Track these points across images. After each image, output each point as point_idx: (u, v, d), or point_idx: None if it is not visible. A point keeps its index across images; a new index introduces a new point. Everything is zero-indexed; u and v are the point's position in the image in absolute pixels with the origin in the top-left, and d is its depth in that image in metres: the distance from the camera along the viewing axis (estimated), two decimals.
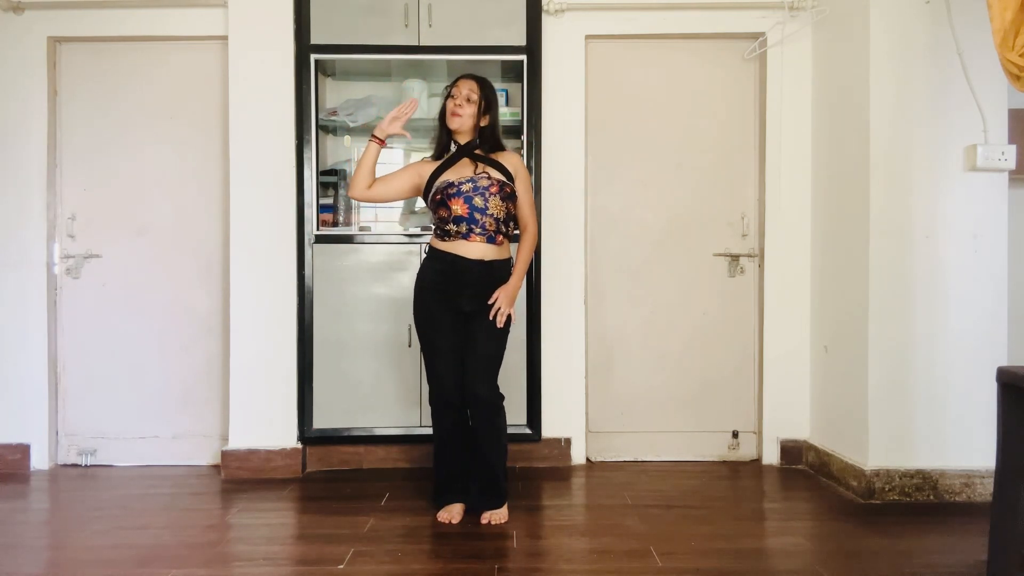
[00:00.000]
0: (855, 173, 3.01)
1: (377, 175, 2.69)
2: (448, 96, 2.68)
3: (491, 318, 2.60)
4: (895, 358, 2.91)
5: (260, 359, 3.27)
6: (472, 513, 2.67)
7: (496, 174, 2.65)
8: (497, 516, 2.63)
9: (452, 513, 2.65)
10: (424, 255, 2.84)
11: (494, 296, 2.61)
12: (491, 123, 2.70)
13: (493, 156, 2.70)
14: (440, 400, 2.66)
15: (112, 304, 3.44)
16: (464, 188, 2.59)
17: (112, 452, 3.44)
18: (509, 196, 2.65)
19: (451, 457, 2.71)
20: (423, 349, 2.69)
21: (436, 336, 2.64)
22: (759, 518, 2.75)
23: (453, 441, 2.69)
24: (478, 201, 2.59)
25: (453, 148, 2.72)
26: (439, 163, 2.69)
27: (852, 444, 3.03)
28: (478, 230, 2.59)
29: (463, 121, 2.65)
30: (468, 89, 2.65)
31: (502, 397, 2.66)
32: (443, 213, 2.62)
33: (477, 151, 2.70)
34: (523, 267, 2.69)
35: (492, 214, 2.60)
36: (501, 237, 2.64)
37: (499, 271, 2.65)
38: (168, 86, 3.44)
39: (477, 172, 2.63)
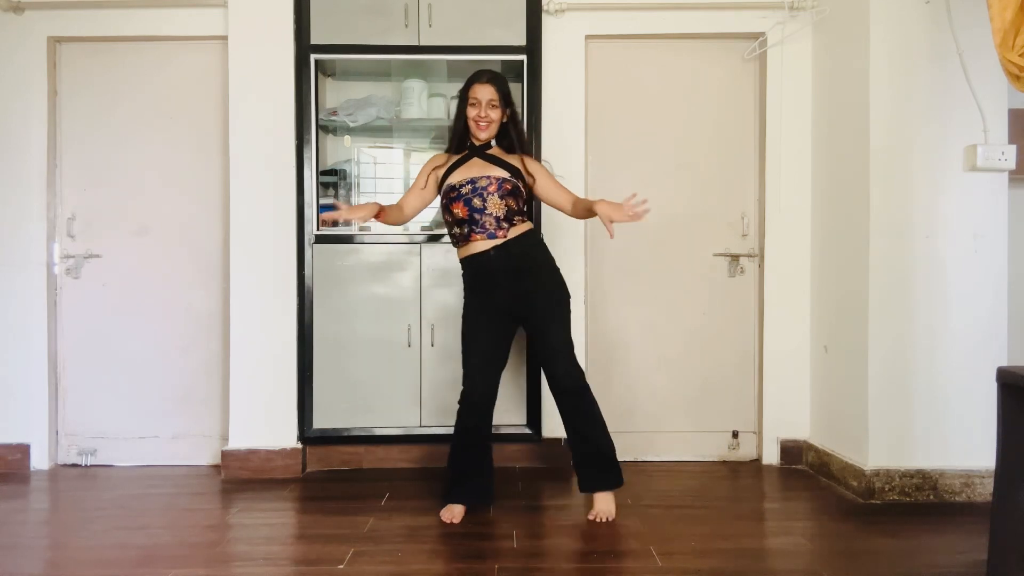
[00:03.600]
0: (855, 173, 3.01)
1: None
2: (467, 103, 2.66)
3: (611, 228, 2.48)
4: (895, 358, 2.91)
5: (260, 359, 3.27)
6: (472, 513, 2.67)
7: (498, 172, 2.64)
8: (604, 511, 2.63)
9: (454, 513, 2.64)
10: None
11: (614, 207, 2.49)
12: (512, 116, 2.72)
13: (504, 157, 2.69)
14: (467, 399, 2.67)
15: (112, 304, 3.44)
16: (464, 191, 2.62)
17: (112, 452, 3.43)
18: (510, 193, 2.63)
19: (464, 458, 2.70)
20: (462, 348, 2.70)
21: (475, 333, 2.67)
22: (759, 518, 2.76)
23: (470, 443, 2.69)
24: (476, 202, 2.60)
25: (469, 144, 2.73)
26: (450, 163, 2.70)
27: (852, 444, 3.03)
28: (478, 230, 2.61)
29: (492, 129, 2.68)
30: (488, 96, 2.64)
31: (583, 374, 2.66)
32: (447, 218, 2.69)
33: (490, 151, 2.71)
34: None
35: (492, 213, 2.60)
36: (503, 232, 2.61)
37: (516, 247, 2.62)
38: (168, 86, 3.44)
39: (479, 173, 2.64)
